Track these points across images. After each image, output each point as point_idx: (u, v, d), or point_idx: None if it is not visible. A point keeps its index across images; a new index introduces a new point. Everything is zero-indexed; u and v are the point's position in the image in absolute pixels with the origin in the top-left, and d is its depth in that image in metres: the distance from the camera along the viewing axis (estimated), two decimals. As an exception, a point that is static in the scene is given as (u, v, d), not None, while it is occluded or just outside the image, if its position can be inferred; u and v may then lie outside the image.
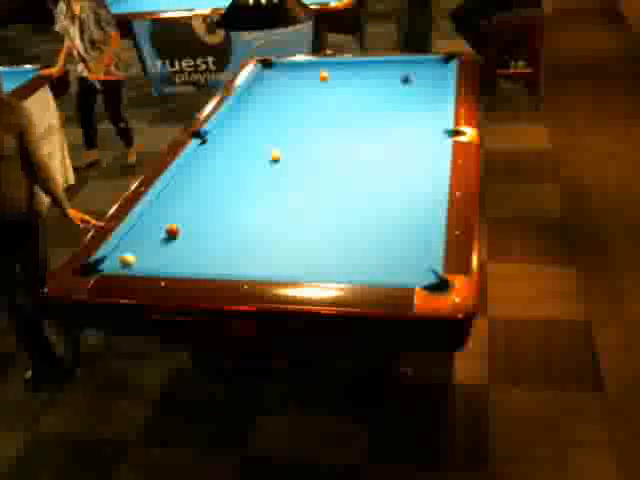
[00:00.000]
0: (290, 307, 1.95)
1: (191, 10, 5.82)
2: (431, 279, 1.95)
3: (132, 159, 5.27)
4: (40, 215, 2.97)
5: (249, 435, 2.76)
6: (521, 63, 5.34)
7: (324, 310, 1.92)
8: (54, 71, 4.69)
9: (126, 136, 5.19)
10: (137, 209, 2.53)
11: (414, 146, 2.89)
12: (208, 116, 3.32)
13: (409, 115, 3.19)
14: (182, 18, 5.81)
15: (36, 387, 3.09)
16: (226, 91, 3.67)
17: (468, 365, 2.95)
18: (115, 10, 6.10)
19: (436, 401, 2.84)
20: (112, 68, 4.82)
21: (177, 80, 6.20)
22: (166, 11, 5.89)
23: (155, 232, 2.40)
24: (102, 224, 2.44)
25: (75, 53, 4.76)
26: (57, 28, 4.74)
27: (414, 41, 6.36)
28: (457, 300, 1.86)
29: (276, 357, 2.52)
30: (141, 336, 3.04)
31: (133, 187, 2.69)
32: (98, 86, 4.83)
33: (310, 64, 4.09)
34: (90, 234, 2.41)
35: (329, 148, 2.96)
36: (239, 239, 2.34)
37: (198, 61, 6.04)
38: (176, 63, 6.08)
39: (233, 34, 5.77)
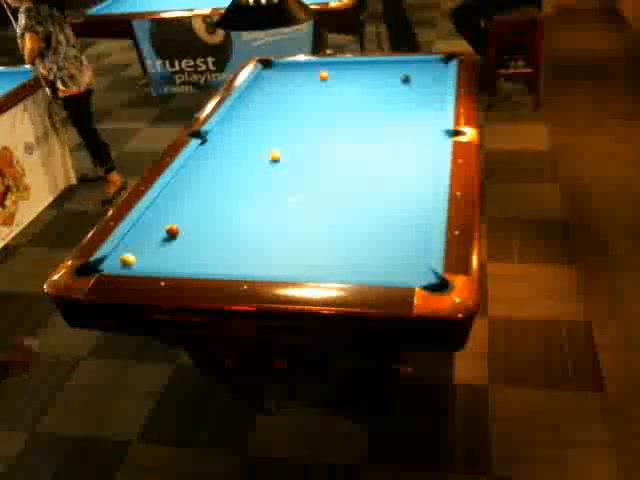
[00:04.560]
0: (290, 307, 1.95)
1: (191, 10, 5.82)
2: (431, 279, 1.95)
3: (109, 193, 4.67)
4: None
5: (249, 435, 2.76)
6: (521, 63, 5.34)
7: (324, 310, 1.92)
8: None
9: (97, 159, 4.69)
10: (137, 209, 2.53)
11: (414, 146, 2.88)
12: (208, 116, 3.32)
13: (409, 115, 3.19)
14: (182, 18, 5.81)
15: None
16: (226, 91, 3.67)
17: (468, 365, 2.95)
18: (115, 10, 6.16)
19: (436, 401, 2.85)
20: (58, 84, 4.29)
21: (177, 80, 6.20)
22: (166, 11, 5.89)
23: (155, 232, 2.40)
24: None
25: None
26: None
27: (398, 42, 6.39)
28: (457, 300, 1.85)
29: (276, 357, 2.51)
30: (141, 336, 3.04)
31: (133, 187, 2.69)
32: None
33: (310, 64, 4.09)
34: (91, 233, 2.41)
35: (329, 148, 2.95)
36: (239, 239, 2.34)
37: (198, 61, 6.04)
38: (176, 63, 6.08)
39: (233, 34, 5.77)
